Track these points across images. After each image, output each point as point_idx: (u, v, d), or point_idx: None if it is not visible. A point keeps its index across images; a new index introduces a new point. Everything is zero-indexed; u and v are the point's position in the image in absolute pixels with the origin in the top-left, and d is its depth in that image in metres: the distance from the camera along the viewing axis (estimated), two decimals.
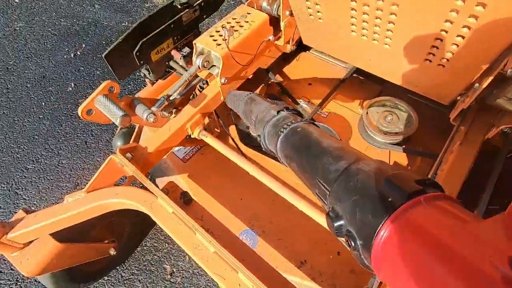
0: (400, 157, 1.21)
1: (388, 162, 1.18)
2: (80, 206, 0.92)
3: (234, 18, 1.15)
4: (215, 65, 1.10)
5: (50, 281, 1.07)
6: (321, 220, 0.87)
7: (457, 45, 0.78)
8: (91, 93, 0.96)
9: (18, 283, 1.41)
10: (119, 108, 0.88)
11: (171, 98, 1.14)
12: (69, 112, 2.03)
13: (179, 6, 1.34)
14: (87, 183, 0.92)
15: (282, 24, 1.18)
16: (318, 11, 1.02)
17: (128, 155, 0.96)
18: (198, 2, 1.39)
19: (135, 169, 0.92)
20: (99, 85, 1.01)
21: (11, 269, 1.45)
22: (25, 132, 1.95)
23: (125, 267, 1.42)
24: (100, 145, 1.86)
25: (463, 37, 0.74)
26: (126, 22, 2.58)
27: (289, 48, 1.37)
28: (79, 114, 0.93)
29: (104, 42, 2.44)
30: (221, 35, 1.08)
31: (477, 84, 0.84)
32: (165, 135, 1.05)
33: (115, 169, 0.96)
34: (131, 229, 1.37)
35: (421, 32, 0.82)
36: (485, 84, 0.81)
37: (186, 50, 1.34)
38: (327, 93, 1.42)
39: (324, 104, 1.36)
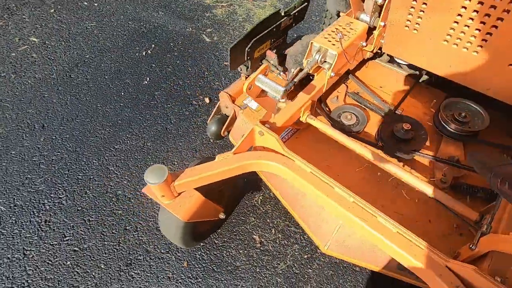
0: (472, 148, 1.43)
1: (461, 152, 1.41)
2: (228, 164, 1.12)
3: (340, 25, 1.40)
4: (326, 61, 1.34)
5: (181, 231, 1.25)
6: (427, 189, 1.08)
7: None
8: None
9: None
10: (278, 84, 1.10)
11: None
12: (148, 102, 2.25)
13: (282, 14, 1.61)
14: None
15: (376, 33, 1.44)
16: (416, 23, 1.28)
17: (267, 125, 1.18)
18: (294, 12, 1.66)
19: (277, 136, 1.13)
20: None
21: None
22: (108, 117, 2.15)
23: (218, 235, 1.60)
24: (180, 132, 2.07)
25: None
26: (190, 28, 2.85)
27: (368, 54, 1.63)
28: (244, 90, 1.15)
29: (172, 44, 2.70)
30: (333, 38, 1.34)
31: None
32: (287, 115, 1.27)
33: (254, 137, 1.18)
34: (228, 198, 1.56)
35: None
36: None
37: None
38: (397, 95, 1.66)
39: (400, 104, 1.59)
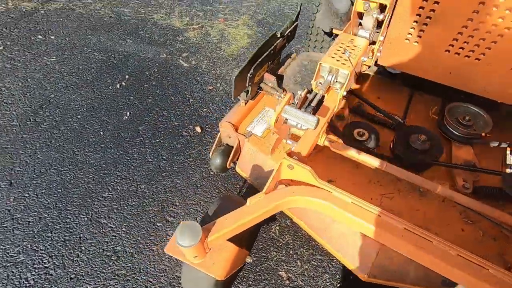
0: (479, 149, 1.47)
1: (473, 155, 1.44)
2: (263, 207, 1.01)
3: (343, 43, 1.38)
4: (338, 81, 1.30)
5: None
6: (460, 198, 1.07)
7: None
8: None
9: None
10: (310, 113, 1.02)
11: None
12: (132, 139, 2.05)
13: (278, 35, 1.56)
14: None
15: (376, 47, 1.44)
16: (418, 36, 1.30)
17: (294, 157, 1.09)
18: (287, 32, 1.62)
19: (310, 168, 1.05)
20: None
21: None
22: (89, 162, 1.91)
23: (241, 280, 1.45)
24: (175, 168, 1.90)
25: None
26: (164, 54, 2.70)
27: (364, 68, 1.63)
28: (272, 126, 1.05)
29: (147, 73, 2.52)
30: (341, 56, 1.31)
31: None
32: (310, 142, 1.20)
33: (284, 171, 1.08)
34: (248, 237, 1.43)
35: None
36: None
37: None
38: (397, 105, 1.69)
39: (406, 114, 1.60)
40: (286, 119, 1.06)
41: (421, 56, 1.39)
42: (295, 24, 1.65)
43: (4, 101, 2.25)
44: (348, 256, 1.27)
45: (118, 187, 1.80)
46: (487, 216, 1.13)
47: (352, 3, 1.48)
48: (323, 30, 1.85)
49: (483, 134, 1.45)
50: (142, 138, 2.05)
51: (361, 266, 1.23)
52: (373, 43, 1.44)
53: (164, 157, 1.95)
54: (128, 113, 2.21)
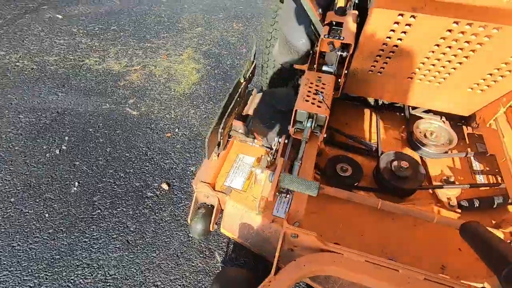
0: (450, 162, 1.55)
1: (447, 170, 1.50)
2: None
3: (312, 82, 1.34)
4: (317, 125, 1.24)
5: None
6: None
7: (504, 76, 1.15)
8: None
9: None
10: (307, 180, 0.92)
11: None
12: (88, 215, 1.74)
13: (242, 81, 1.46)
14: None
15: (341, 80, 1.43)
16: (381, 67, 1.31)
17: (296, 223, 0.98)
18: (249, 74, 1.54)
19: (315, 234, 0.95)
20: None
21: None
22: (36, 256, 1.57)
23: None
24: (146, 239, 1.65)
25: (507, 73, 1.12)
26: (108, 104, 2.42)
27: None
28: (260, 208, 0.92)
29: (91, 129, 2.22)
30: (314, 98, 1.25)
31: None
32: (304, 200, 1.11)
33: (287, 240, 0.97)
34: None
35: (476, 74, 1.17)
36: None
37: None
38: (366, 129, 1.71)
39: (379, 140, 1.61)
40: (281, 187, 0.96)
41: (385, 83, 1.42)
42: (254, 63, 1.58)
43: None
44: None
45: (81, 280, 1.49)
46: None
47: (311, 41, 1.46)
48: (281, 65, 1.81)
49: (449, 148, 1.53)
50: (99, 211, 1.76)
51: None
52: (338, 76, 1.43)
53: (132, 229, 1.69)
54: (76, 183, 1.89)
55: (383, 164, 1.40)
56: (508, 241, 1.23)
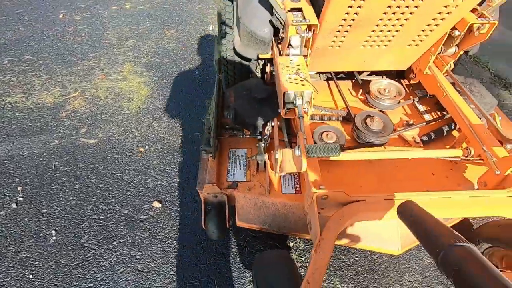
0: (402, 110, 1.85)
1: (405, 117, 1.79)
2: (329, 243, 0.98)
3: (287, 66, 1.45)
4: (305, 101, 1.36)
5: None
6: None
7: (432, 30, 1.44)
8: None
9: None
10: (329, 144, 1.02)
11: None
12: (81, 259, 1.57)
13: (221, 76, 1.50)
14: None
15: (308, 59, 1.58)
16: (340, 41, 1.50)
17: (322, 187, 1.09)
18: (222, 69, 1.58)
19: (343, 190, 1.08)
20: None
21: None
22: None
23: None
24: (158, 261, 1.57)
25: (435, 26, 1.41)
26: (57, 140, 2.15)
27: None
28: (304, 169, 0.99)
29: (48, 172, 1.95)
30: (296, 79, 1.37)
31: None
32: (317, 166, 1.22)
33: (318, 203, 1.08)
34: None
35: (413, 32, 1.44)
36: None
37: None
38: (332, 98, 1.92)
39: (347, 105, 1.82)
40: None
41: (343, 56, 1.62)
42: (219, 62, 1.63)
43: None
44: (379, 243, 1.39)
45: None
46: (447, 157, 1.47)
47: (275, 28, 1.57)
48: (240, 56, 1.87)
49: (400, 99, 1.83)
50: (94, 251, 1.60)
51: (392, 244, 1.37)
52: (304, 56, 1.58)
53: (138, 257, 1.59)
54: (52, 231, 1.67)
55: (358, 124, 1.61)
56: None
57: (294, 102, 1.33)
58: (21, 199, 1.81)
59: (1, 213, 1.74)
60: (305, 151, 1.05)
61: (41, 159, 2.02)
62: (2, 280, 1.48)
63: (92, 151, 2.09)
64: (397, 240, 1.39)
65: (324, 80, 2.07)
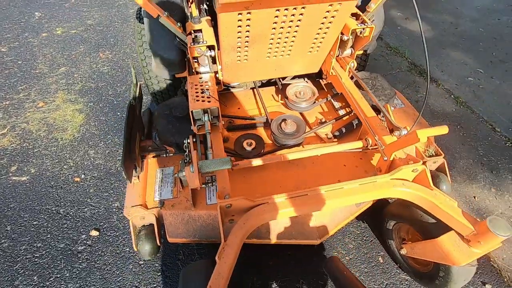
0: (320, 108, 2.00)
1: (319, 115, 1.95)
2: (235, 244, 1.07)
3: (196, 85, 1.53)
4: (214, 116, 1.45)
5: None
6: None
7: (323, 37, 1.60)
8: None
9: None
10: (220, 158, 1.10)
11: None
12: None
13: (134, 103, 1.55)
14: None
15: (219, 74, 1.67)
16: (245, 55, 1.61)
17: (227, 196, 1.18)
18: (137, 95, 1.64)
19: (243, 196, 1.17)
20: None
21: None
22: None
23: None
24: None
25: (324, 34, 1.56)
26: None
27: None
28: (199, 186, 1.07)
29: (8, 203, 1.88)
30: (202, 97, 1.46)
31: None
32: (226, 177, 1.32)
33: (223, 212, 1.16)
34: None
35: (307, 40, 1.59)
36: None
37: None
38: (254, 107, 2.03)
39: (267, 112, 1.93)
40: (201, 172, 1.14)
41: (253, 67, 1.74)
42: (138, 85, 1.67)
43: None
44: (299, 237, 1.51)
45: None
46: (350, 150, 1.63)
47: (182, 50, 1.65)
48: (164, 78, 1.93)
49: (315, 99, 1.99)
50: None
51: (311, 236, 1.51)
52: (215, 72, 1.67)
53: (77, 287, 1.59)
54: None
55: (274, 129, 1.73)
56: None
57: (202, 119, 1.42)
58: None
59: None
60: (197, 168, 1.13)
61: None
62: None
63: (24, 188, 2.04)
64: (315, 231, 1.53)
65: (251, 88, 2.18)
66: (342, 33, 1.64)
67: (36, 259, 1.70)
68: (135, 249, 1.51)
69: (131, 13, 4.06)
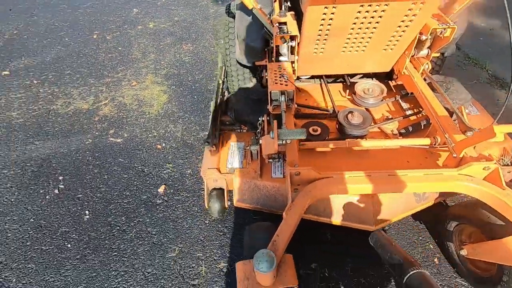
0: (387, 107, 2.05)
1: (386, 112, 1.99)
2: (300, 205, 1.22)
3: (276, 70, 1.73)
4: (288, 98, 1.63)
5: None
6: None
7: (401, 36, 1.66)
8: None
9: None
10: (297, 129, 1.28)
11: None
12: (109, 233, 1.90)
13: (221, 82, 1.80)
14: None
15: (295, 65, 1.85)
16: (322, 48, 1.76)
17: (296, 165, 1.34)
18: (223, 76, 1.89)
19: (311, 167, 1.31)
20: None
21: None
22: (73, 280, 1.69)
23: None
24: (170, 236, 1.87)
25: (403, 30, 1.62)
26: (90, 139, 2.55)
27: None
28: (276, 149, 1.25)
29: (83, 165, 2.34)
30: (281, 80, 1.65)
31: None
32: (295, 149, 1.47)
33: (293, 179, 1.32)
34: None
35: (385, 37, 1.67)
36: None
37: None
38: (323, 99, 2.16)
39: (334, 103, 2.05)
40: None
41: (326, 60, 1.88)
42: (223, 68, 1.93)
43: None
44: (354, 220, 1.59)
45: (124, 285, 1.66)
46: (420, 145, 1.65)
47: (266, 40, 1.86)
48: (241, 64, 2.17)
49: (383, 97, 2.04)
50: (118, 227, 1.93)
51: (367, 221, 1.57)
52: (292, 62, 1.85)
53: (153, 233, 1.89)
54: (86, 212, 2.02)
55: (341, 119, 1.84)
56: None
57: (279, 99, 1.60)
58: (62, 186, 2.19)
59: (47, 197, 2.13)
60: (277, 135, 1.31)
61: (77, 155, 2.42)
62: (47, 247, 1.84)
63: (118, 148, 2.47)
64: (371, 218, 1.59)
65: (318, 83, 2.31)
66: (420, 33, 1.68)
67: (124, 204, 2.06)
68: (206, 207, 1.76)
69: (211, 12, 4.50)
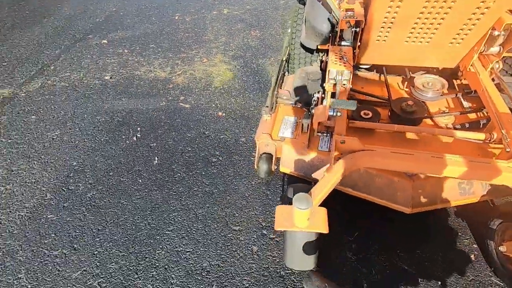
0: (446, 103, 2.04)
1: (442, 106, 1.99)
2: (339, 170, 1.37)
3: (337, 53, 1.87)
4: (344, 79, 1.76)
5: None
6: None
7: (470, 30, 1.66)
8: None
9: None
10: (348, 100, 1.43)
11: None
12: (171, 177, 2.26)
13: (284, 59, 2.00)
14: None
15: (356, 51, 1.96)
16: (385, 36, 1.84)
17: (342, 135, 1.48)
18: (287, 55, 2.07)
19: (356, 138, 1.45)
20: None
21: None
22: (141, 206, 2.07)
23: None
24: (220, 188, 2.15)
25: (473, 24, 1.62)
26: (164, 102, 2.98)
27: None
28: (326, 119, 1.42)
29: (156, 121, 2.77)
30: (340, 62, 1.78)
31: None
32: (344, 122, 1.61)
33: (337, 146, 1.47)
34: None
35: (453, 29, 1.68)
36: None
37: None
38: (378, 88, 2.22)
39: (389, 92, 2.11)
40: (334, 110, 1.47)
41: (389, 50, 1.94)
42: (288, 49, 2.13)
43: (28, 182, 2.30)
44: (390, 200, 1.66)
45: (178, 218, 1.99)
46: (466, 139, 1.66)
47: (332, 24, 2.01)
48: (305, 48, 2.34)
49: (442, 91, 2.03)
50: (179, 174, 2.28)
51: (403, 202, 1.63)
52: (353, 48, 1.96)
53: (207, 183, 2.20)
54: (156, 158, 2.42)
55: (395, 107, 1.90)
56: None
57: (336, 78, 1.74)
58: (139, 135, 2.64)
59: (127, 141, 2.59)
60: (329, 103, 1.46)
61: (153, 113, 2.86)
62: (124, 180, 2.27)
63: (186, 112, 2.85)
64: (410, 200, 1.65)
65: (377, 75, 2.37)
66: (493, 28, 1.66)
67: (186, 157, 2.41)
68: (255, 167, 1.99)
69: (282, 3, 4.71)
